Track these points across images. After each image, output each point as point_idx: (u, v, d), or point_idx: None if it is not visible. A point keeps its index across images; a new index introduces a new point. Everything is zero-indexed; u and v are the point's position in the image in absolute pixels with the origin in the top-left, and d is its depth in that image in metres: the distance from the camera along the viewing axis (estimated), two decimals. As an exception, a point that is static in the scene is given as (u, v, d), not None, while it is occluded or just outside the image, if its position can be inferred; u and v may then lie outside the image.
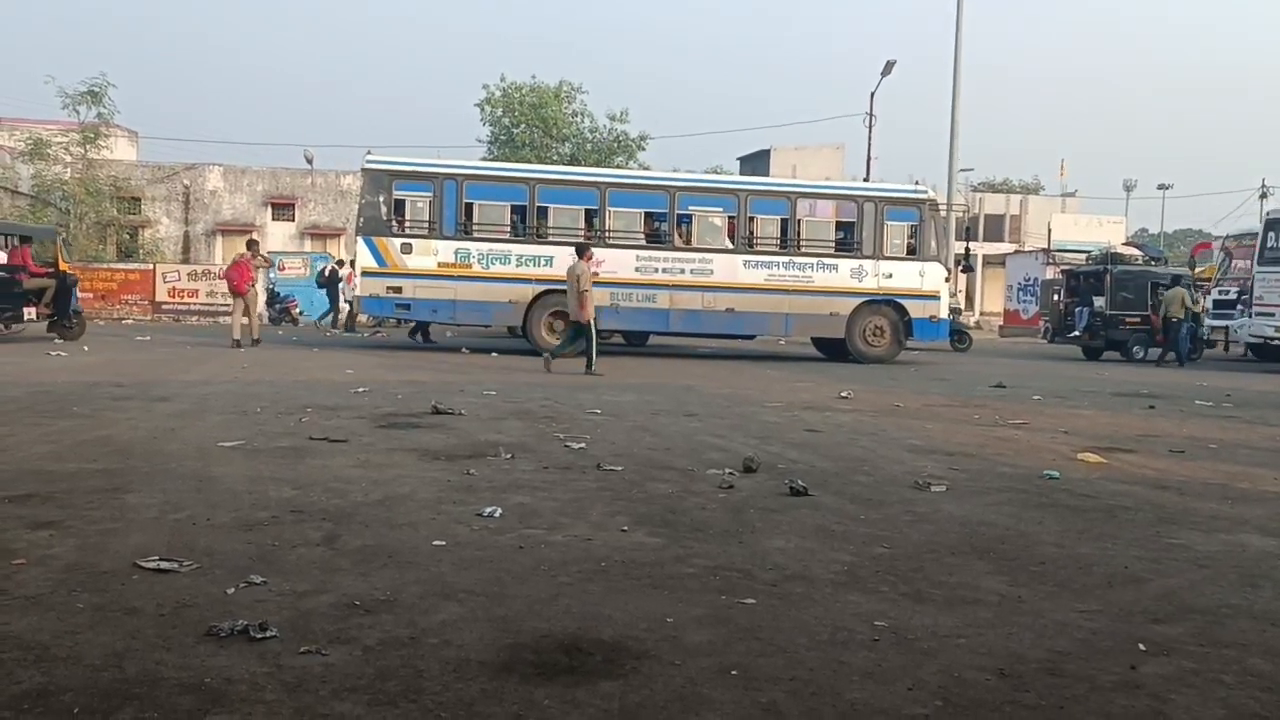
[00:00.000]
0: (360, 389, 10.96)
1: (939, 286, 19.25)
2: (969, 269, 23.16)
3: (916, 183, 22.50)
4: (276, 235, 34.69)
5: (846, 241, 19.12)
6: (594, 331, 14.83)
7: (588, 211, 18.81)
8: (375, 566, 4.03)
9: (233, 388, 11.07)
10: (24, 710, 2.60)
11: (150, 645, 3.09)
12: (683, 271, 18.55)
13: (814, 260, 18.82)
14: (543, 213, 18.68)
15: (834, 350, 19.87)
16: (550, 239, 18.49)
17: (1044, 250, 32.44)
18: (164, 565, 3.91)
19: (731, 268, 18.65)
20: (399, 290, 18.11)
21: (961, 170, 29.51)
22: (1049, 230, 33.45)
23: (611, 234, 18.62)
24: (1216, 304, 23.01)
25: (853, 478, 6.41)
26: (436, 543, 4.42)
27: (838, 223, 19.33)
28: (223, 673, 2.88)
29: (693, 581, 3.96)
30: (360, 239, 18.27)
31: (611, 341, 23.74)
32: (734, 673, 3.01)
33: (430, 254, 18.04)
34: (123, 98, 66.65)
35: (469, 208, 18.41)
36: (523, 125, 34.25)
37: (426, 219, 18.25)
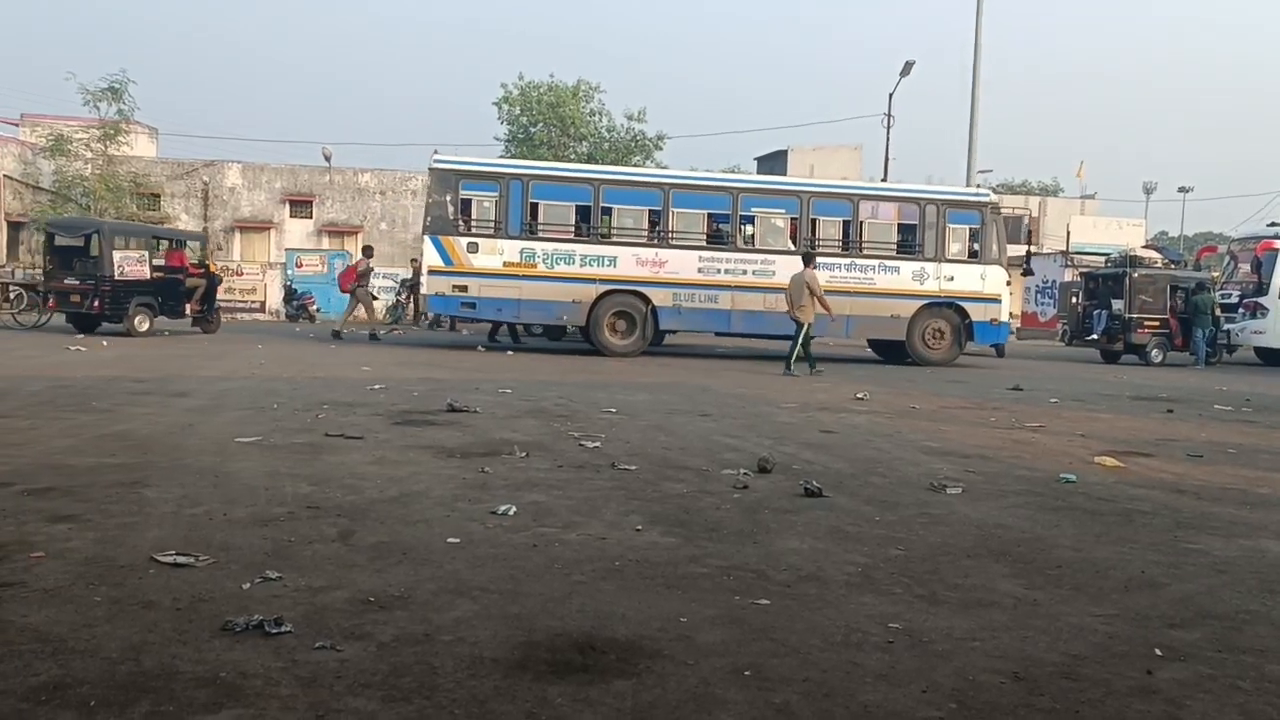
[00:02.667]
0: (377, 386, 10.99)
1: (1000, 290, 19.26)
2: (1029, 273, 23.15)
3: (978, 186, 22.43)
4: (294, 232, 34.84)
5: (908, 244, 19.16)
6: (808, 336, 15.57)
7: (651, 212, 18.91)
8: (390, 563, 4.04)
9: (250, 384, 11.12)
10: (41, 702, 2.62)
11: (166, 639, 3.11)
12: (745, 272, 18.63)
13: (876, 262, 18.86)
14: (607, 213, 18.82)
15: (890, 352, 19.84)
16: (614, 239, 18.65)
17: (1062, 253, 32.25)
18: (181, 560, 3.94)
19: (793, 269, 18.60)
20: (464, 289, 18.22)
21: (980, 171, 29.36)
22: (1068, 232, 33.28)
23: (674, 235, 18.72)
24: (1222, 308, 22.92)
25: (868, 479, 6.39)
26: (451, 540, 4.43)
27: (899, 225, 19.37)
28: (238, 667, 2.90)
29: (706, 581, 3.96)
30: (427, 238, 18.38)
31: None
32: (747, 673, 3.01)
33: (496, 253, 18.14)
34: (143, 94, 66.98)
35: (534, 207, 18.53)
36: (540, 124, 34.31)
37: (492, 218, 18.39)
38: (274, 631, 3.16)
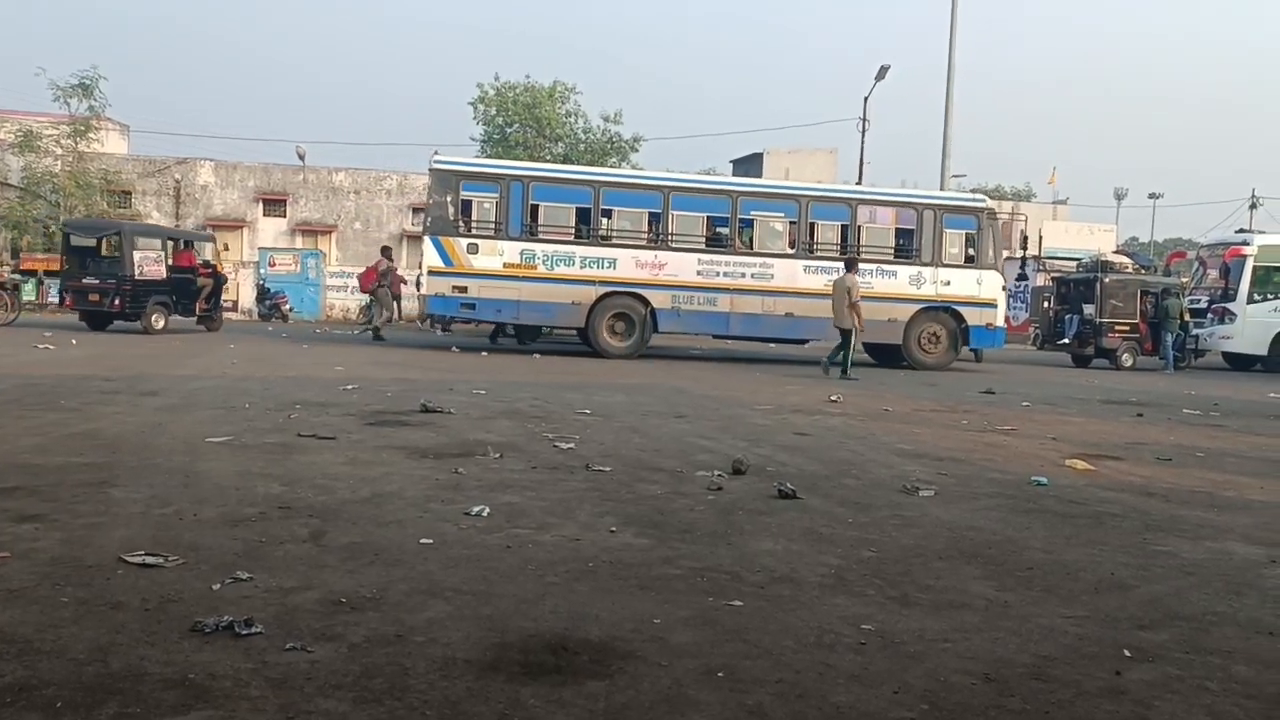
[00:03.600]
0: (350, 386, 10.93)
1: (996, 294, 19.43)
2: (1024, 278, 23.37)
3: (972, 189, 22.58)
4: (268, 232, 34.64)
5: (905, 248, 19.27)
6: (855, 341, 16.08)
7: (651, 214, 18.95)
8: (362, 564, 4.02)
9: (222, 383, 11.04)
10: (6, 704, 2.59)
11: (134, 640, 3.08)
12: (744, 275, 18.74)
13: (873, 266, 18.92)
14: (607, 215, 18.86)
15: (886, 357, 19.96)
16: (614, 241, 18.69)
17: (1034, 257, 32.51)
18: (149, 560, 3.90)
19: (792, 272, 18.84)
20: (464, 290, 18.21)
21: (954, 176, 29.58)
22: (1040, 237, 33.52)
23: (674, 237, 18.78)
24: (1190, 313, 23.21)
25: (841, 481, 6.41)
26: (424, 541, 4.41)
27: (897, 229, 19.48)
28: (207, 668, 2.87)
29: (680, 583, 3.96)
30: (427, 238, 18.40)
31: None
32: (720, 674, 3.01)
33: (496, 254, 18.16)
34: (114, 91, 66.39)
35: (534, 209, 18.54)
36: (516, 124, 34.21)
37: (493, 219, 18.38)
38: (244, 632, 3.14)
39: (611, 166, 34.41)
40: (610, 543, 4.55)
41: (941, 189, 25.60)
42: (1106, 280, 22.91)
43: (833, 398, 11.93)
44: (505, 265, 18.14)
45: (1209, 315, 23.85)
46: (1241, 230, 30.38)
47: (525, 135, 34.32)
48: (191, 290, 21.58)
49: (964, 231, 19.40)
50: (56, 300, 30.16)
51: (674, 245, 18.69)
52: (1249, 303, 23.28)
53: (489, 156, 34.31)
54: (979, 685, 3.02)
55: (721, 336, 20.46)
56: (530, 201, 18.43)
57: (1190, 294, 23.96)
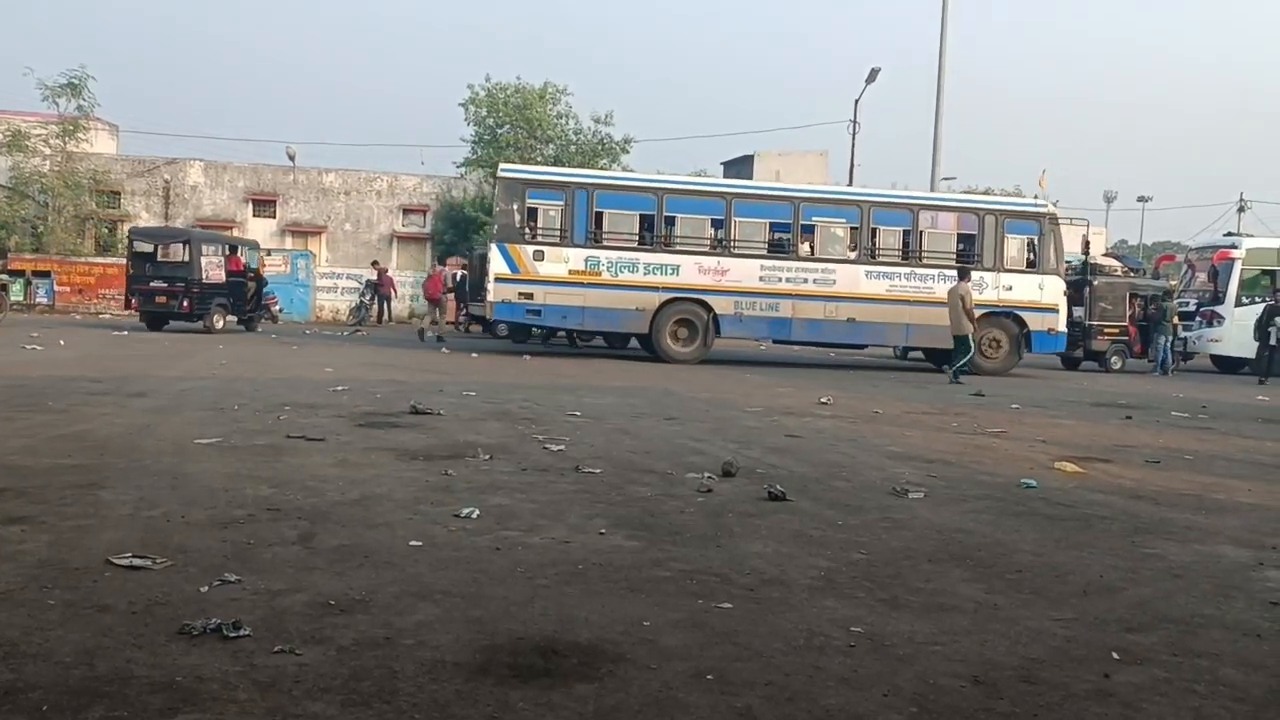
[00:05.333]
0: (339, 387, 10.91)
1: (1058, 299, 19.46)
2: (1088, 283, 23.48)
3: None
4: (257, 232, 34.44)
5: (967, 253, 19.21)
6: (972, 346, 16.58)
7: (714, 221, 19.02)
8: (351, 566, 4.01)
9: (211, 384, 11.01)
10: (-8, 707, 2.58)
11: (121, 643, 3.06)
12: (806, 281, 18.76)
13: (935, 271, 18.89)
14: (670, 222, 18.91)
15: (942, 359, 19.68)
16: (677, 248, 18.77)
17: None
18: (137, 562, 3.88)
19: (854, 278, 18.84)
20: (530, 296, 18.29)
21: (944, 179, 29.61)
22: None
23: (736, 243, 18.85)
24: (1179, 316, 23.29)
25: (831, 483, 6.42)
26: (413, 543, 4.40)
27: (959, 235, 19.48)
28: (194, 671, 2.86)
29: (670, 585, 3.95)
30: (494, 245, 18.50)
31: (592, 344, 23.78)
32: (710, 677, 3.00)
33: (561, 261, 18.28)
34: (103, 91, 66.11)
35: (599, 216, 18.65)
36: (507, 126, 34.12)
37: (558, 227, 18.47)
38: (232, 635, 3.13)
39: (602, 168, 34.40)
40: (600, 545, 4.55)
41: (931, 190, 25.61)
42: (1096, 283, 22.97)
43: (822, 400, 11.94)
44: (570, 272, 18.24)
45: (1197, 318, 23.93)
46: (1230, 234, 30.53)
47: (516, 136, 34.23)
48: (243, 292, 23.45)
49: (1026, 236, 19.43)
50: (45, 299, 30.12)
51: (736, 251, 18.79)
52: (1237, 305, 23.36)
53: (479, 157, 34.28)
54: (968, 688, 3.02)
55: (782, 342, 20.56)
56: (595, 209, 18.55)
57: (1179, 297, 24.04)
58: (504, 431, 8.09)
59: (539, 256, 18.24)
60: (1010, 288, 18.98)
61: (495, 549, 4.38)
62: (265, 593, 3.61)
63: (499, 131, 34.20)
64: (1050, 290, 19.30)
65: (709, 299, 18.53)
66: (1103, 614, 3.85)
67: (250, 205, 35.13)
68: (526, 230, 18.45)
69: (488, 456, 6.74)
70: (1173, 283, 26.15)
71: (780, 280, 18.67)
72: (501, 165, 19.19)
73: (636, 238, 18.77)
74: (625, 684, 2.93)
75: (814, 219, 19.23)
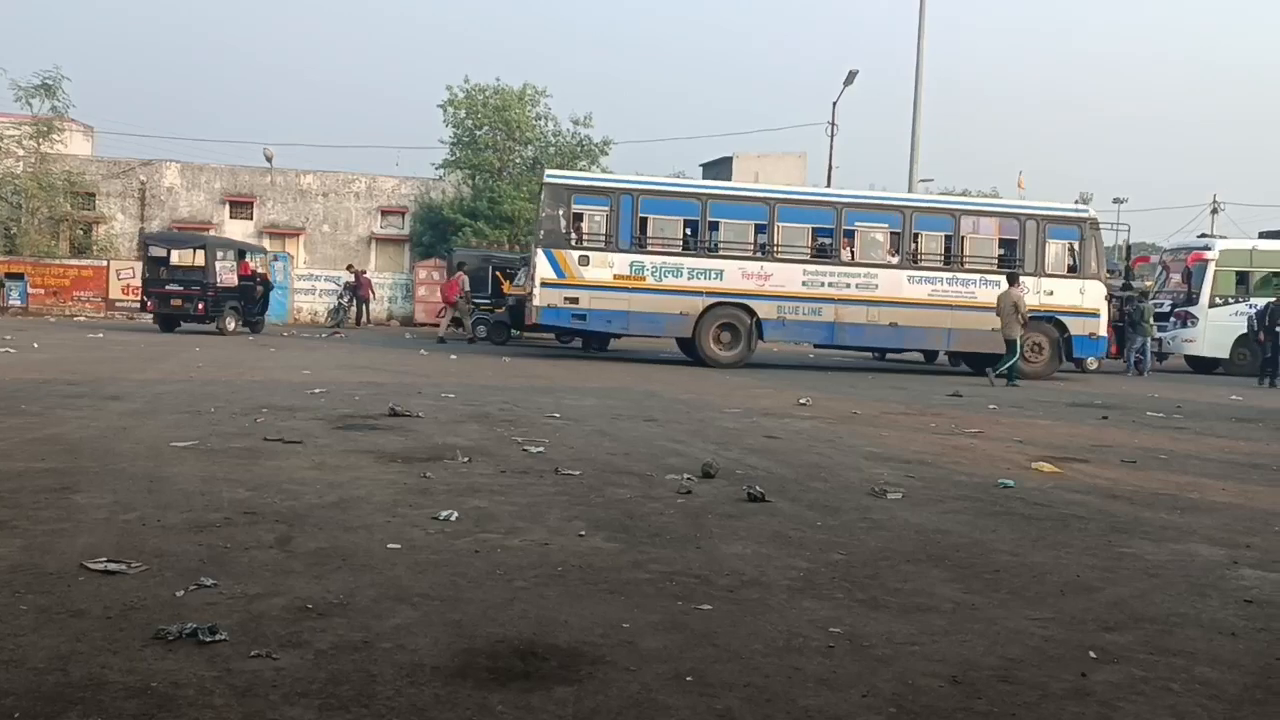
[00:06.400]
0: (317, 390, 10.85)
1: (1099, 304, 19.48)
2: (1128, 287, 23.59)
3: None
4: (234, 234, 34.26)
5: (1008, 258, 19.27)
6: (1019, 349, 16.89)
7: (757, 226, 19.10)
8: (329, 569, 3.99)
9: (187, 387, 10.93)
10: (-37, 714, 2.55)
11: (96, 648, 3.03)
12: (848, 286, 18.80)
13: (977, 276, 18.96)
14: (714, 227, 19.04)
15: (980, 364, 19.72)
16: (721, 253, 18.88)
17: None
18: (112, 567, 3.85)
19: (896, 283, 18.88)
20: (575, 301, 18.38)
21: (922, 180, 29.69)
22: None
23: (779, 248, 18.92)
24: (1154, 317, 23.48)
25: (810, 484, 6.43)
26: (391, 546, 4.38)
27: (1000, 239, 19.56)
28: (170, 676, 2.83)
29: (649, 587, 3.95)
30: (540, 250, 18.53)
31: (571, 345, 23.77)
32: (689, 679, 3.00)
33: (606, 266, 18.33)
34: (78, 91, 65.57)
35: (643, 221, 18.71)
36: (486, 127, 34.04)
37: (603, 232, 18.57)
38: (208, 640, 3.10)
39: (580, 169, 34.40)
40: (579, 547, 4.54)
41: (909, 190, 25.71)
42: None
43: (801, 401, 11.97)
44: (615, 277, 18.28)
45: (1172, 319, 24.13)
46: (1203, 235, 30.77)
47: (495, 138, 34.18)
48: (252, 296, 24.27)
49: (1067, 242, 19.48)
50: (18, 301, 29.85)
51: (779, 256, 18.85)
52: (1211, 306, 23.57)
53: (457, 159, 34.19)
54: (946, 688, 3.03)
55: (825, 346, 20.67)
56: (639, 214, 18.62)
57: (1154, 298, 24.23)
58: (483, 433, 8.07)
59: (584, 261, 18.31)
60: (1051, 292, 19.04)
61: (474, 551, 4.37)
62: (242, 597, 3.59)
63: (478, 133, 34.13)
64: (1091, 295, 19.33)
65: (752, 303, 18.61)
66: (1080, 613, 3.87)
67: (227, 207, 34.90)
68: (572, 235, 18.55)
69: (466, 459, 6.72)
70: (1148, 284, 26.36)
71: (823, 285, 18.74)
72: (547, 171, 19.43)
73: (681, 243, 18.86)
74: (605, 686, 2.92)
75: (857, 224, 19.30)
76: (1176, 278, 24.91)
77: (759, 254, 18.89)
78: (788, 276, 18.67)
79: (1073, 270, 19.40)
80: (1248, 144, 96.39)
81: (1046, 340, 19.16)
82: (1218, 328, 23.45)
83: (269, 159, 36.16)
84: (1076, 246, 19.41)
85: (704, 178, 40.43)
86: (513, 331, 24.18)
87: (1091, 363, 22.60)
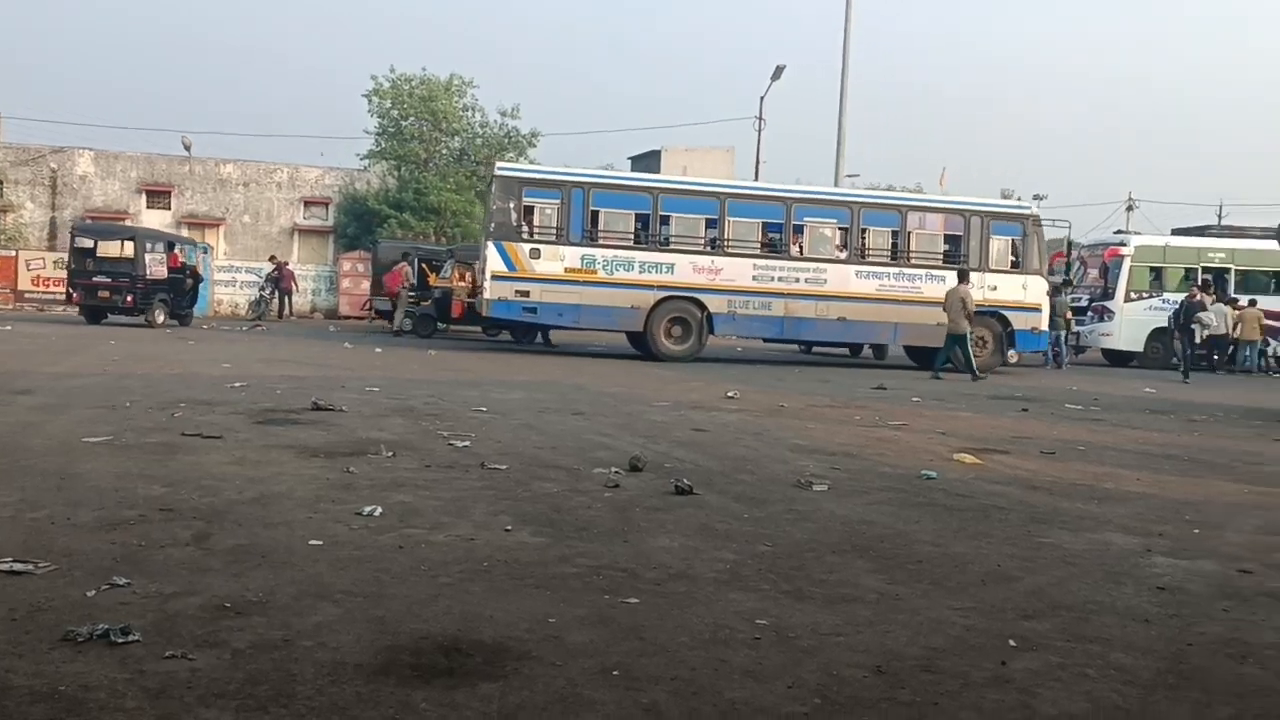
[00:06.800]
0: (237, 384, 10.63)
1: (1041, 299, 19.86)
2: (1068, 282, 23.96)
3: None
4: (152, 224, 33.44)
5: (953, 254, 19.53)
6: (968, 343, 17.21)
7: (708, 220, 19.15)
8: (248, 567, 3.90)
9: (102, 381, 10.63)
10: None
11: (0, 652, 2.92)
12: (798, 280, 18.94)
13: (923, 271, 19.22)
14: (665, 221, 19.01)
15: (926, 359, 19.92)
16: (672, 247, 18.87)
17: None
18: (18, 567, 3.71)
19: (844, 278, 19.07)
20: (526, 294, 18.29)
21: (848, 176, 30.01)
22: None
23: (730, 243, 19.00)
24: (1072, 311, 24.06)
25: (737, 477, 6.46)
26: (313, 542, 4.30)
27: (945, 235, 19.82)
28: (79, 679, 2.74)
29: (576, 581, 3.93)
30: (490, 243, 18.37)
31: (500, 339, 23.63)
32: (615, 673, 2.99)
33: (558, 259, 18.26)
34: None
35: (595, 215, 18.66)
36: (411, 118, 33.66)
37: (555, 225, 18.49)
38: (120, 641, 3.01)
39: (509, 162, 34.20)
40: (505, 541, 4.51)
41: (835, 185, 25.96)
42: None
43: (729, 394, 12.03)
44: (566, 270, 18.23)
45: (1089, 313, 24.72)
46: (1120, 231, 31.58)
47: (421, 129, 33.81)
48: (182, 289, 23.79)
49: (1010, 238, 19.82)
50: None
51: (730, 251, 18.96)
52: (1126, 301, 24.21)
53: (384, 149, 33.75)
54: (870, 678, 3.06)
55: (775, 340, 20.87)
56: (591, 207, 18.59)
57: (1072, 293, 24.80)
58: (408, 428, 7.97)
59: (535, 254, 18.25)
60: (995, 288, 19.32)
61: (398, 547, 4.31)
62: (156, 596, 3.49)
63: (403, 124, 33.73)
64: (1033, 290, 19.73)
65: (703, 297, 18.69)
66: (1000, 602, 3.94)
67: (144, 196, 34.05)
68: (523, 228, 18.47)
69: (391, 453, 6.63)
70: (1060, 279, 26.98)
71: (773, 279, 18.89)
72: (498, 164, 19.38)
73: (632, 236, 18.89)
74: (530, 682, 2.90)
75: (806, 219, 19.52)
76: (1093, 273, 25.53)
77: (710, 248, 19.00)
78: (738, 271, 18.80)
79: (1015, 266, 19.79)
80: (1161, 144, 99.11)
81: (990, 334, 19.48)
82: (1133, 322, 24.10)
83: (187, 148, 35.35)
84: (1019, 242, 19.80)
85: (632, 170, 40.42)
86: (439, 324, 23.94)
87: (1012, 356, 23.09)
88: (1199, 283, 22.66)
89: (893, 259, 19.42)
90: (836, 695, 2.91)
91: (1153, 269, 24.69)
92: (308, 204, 35.24)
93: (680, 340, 18.68)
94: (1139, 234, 28.46)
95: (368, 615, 3.40)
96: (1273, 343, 23.09)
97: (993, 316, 19.41)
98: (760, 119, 35.22)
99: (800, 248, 19.42)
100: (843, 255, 19.44)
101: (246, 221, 34.59)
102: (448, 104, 33.80)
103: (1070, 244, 23.84)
